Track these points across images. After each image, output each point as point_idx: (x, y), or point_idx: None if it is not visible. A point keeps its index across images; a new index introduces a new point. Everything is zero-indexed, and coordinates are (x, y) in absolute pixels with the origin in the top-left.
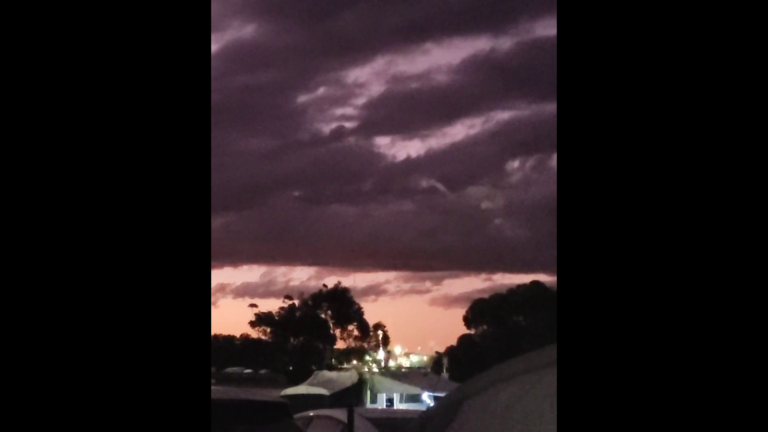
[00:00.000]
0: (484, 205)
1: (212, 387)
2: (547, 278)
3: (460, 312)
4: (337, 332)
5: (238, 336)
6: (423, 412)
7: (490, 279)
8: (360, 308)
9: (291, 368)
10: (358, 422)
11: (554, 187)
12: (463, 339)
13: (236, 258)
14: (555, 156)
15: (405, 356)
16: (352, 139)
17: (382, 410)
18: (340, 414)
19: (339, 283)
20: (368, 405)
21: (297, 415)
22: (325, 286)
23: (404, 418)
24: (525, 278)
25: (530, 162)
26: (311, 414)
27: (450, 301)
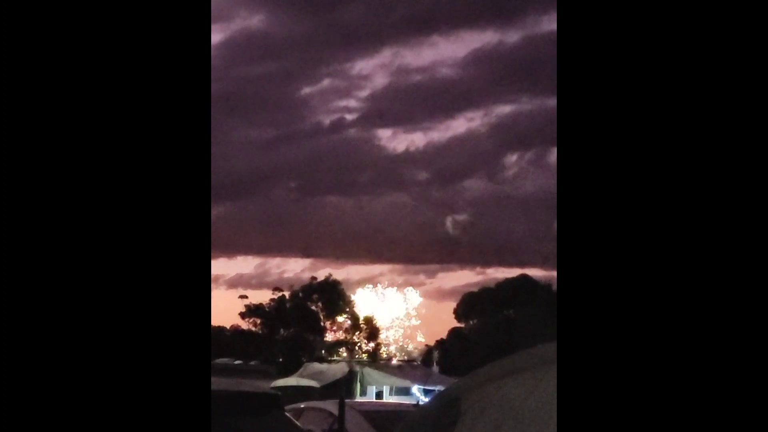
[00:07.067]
0: (480, 198)
1: None
2: (539, 272)
3: (452, 305)
4: (328, 324)
5: (228, 327)
6: (418, 407)
7: (483, 273)
8: (351, 300)
9: (281, 360)
10: (348, 414)
11: (551, 181)
12: (453, 332)
13: (231, 249)
14: (552, 150)
15: (396, 349)
16: (352, 131)
17: (373, 402)
18: (331, 406)
19: (330, 275)
20: (358, 397)
21: (288, 407)
22: (314, 278)
23: (395, 411)
24: (518, 272)
25: (528, 156)
26: (302, 406)
27: (443, 295)
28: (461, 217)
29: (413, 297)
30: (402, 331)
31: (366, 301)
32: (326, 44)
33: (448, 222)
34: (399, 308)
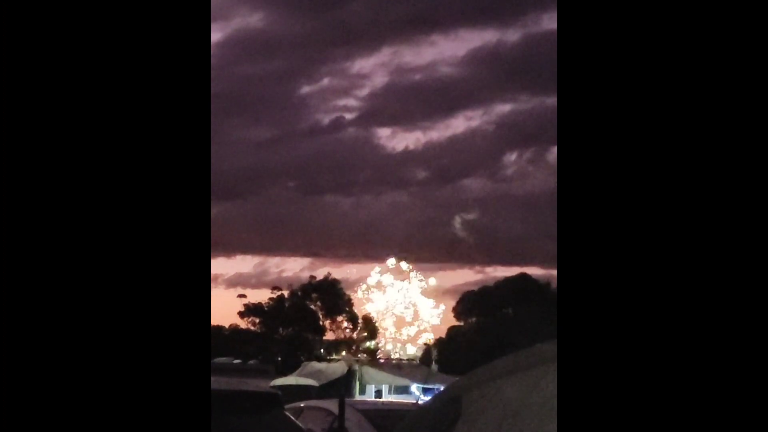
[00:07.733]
0: (479, 197)
1: None
2: (538, 271)
3: (452, 304)
4: (327, 323)
5: (227, 326)
6: (419, 406)
7: (483, 271)
8: (350, 299)
9: (280, 359)
10: (348, 413)
11: (550, 180)
12: (452, 331)
13: (230, 248)
14: (552, 148)
15: (396, 347)
16: (351, 130)
17: (373, 401)
18: (331, 405)
19: (329, 274)
20: (357, 396)
21: (288, 406)
22: (313, 277)
23: (395, 410)
24: (517, 271)
25: (527, 154)
26: (302, 405)
27: (442, 293)
28: (469, 216)
29: (426, 302)
30: (415, 329)
31: (369, 296)
32: (326, 43)
33: (457, 222)
34: (400, 303)
